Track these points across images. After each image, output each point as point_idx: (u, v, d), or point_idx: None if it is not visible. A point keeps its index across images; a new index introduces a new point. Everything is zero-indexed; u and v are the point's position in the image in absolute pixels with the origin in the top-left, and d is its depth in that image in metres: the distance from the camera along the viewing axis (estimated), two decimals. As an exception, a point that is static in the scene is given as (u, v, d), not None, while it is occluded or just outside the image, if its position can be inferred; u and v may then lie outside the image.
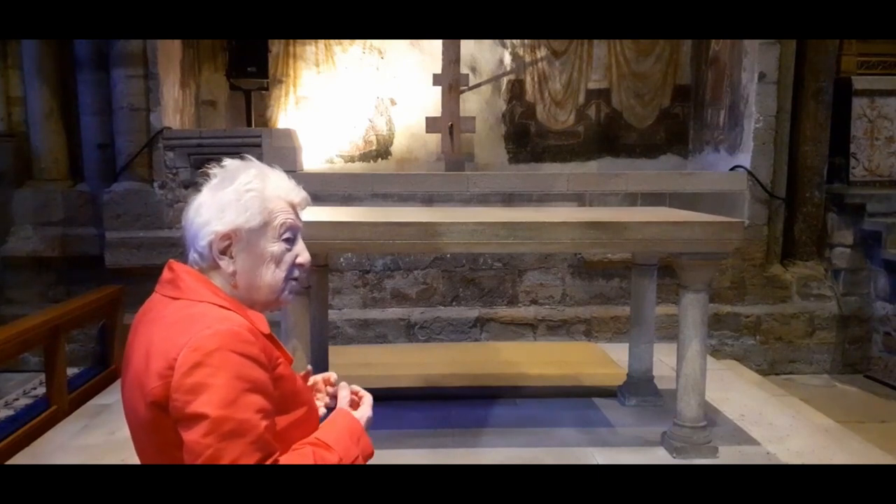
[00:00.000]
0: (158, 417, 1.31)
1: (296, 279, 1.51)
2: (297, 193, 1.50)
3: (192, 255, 1.44)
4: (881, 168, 5.30)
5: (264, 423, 1.28)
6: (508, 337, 5.07)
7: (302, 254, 1.50)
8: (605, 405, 3.86)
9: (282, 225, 1.44)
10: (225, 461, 1.22)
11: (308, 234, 1.56)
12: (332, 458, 1.35)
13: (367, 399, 1.57)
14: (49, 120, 5.17)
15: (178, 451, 1.32)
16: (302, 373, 1.71)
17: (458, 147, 5.80)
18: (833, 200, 5.25)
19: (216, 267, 1.42)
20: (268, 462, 1.27)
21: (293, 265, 1.48)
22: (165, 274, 1.43)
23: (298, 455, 1.34)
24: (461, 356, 4.49)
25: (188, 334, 1.29)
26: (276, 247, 1.44)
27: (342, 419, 1.48)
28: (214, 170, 1.46)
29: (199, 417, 1.24)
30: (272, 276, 1.45)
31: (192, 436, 1.25)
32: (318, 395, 1.72)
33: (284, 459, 1.31)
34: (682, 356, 3.24)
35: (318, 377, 1.75)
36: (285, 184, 1.48)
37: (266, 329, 1.42)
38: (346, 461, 1.36)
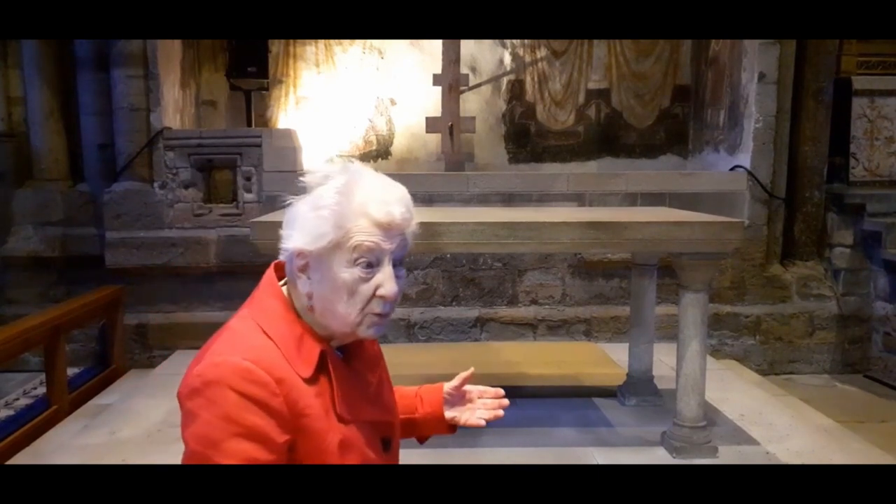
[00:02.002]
0: None
1: (379, 314, 1.27)
2: (388, 211, 1.23)
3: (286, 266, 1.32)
4: (881, 168, 5.30)
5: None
6: (508, 337, 5.07)
7: (385, 284, 1.24)
8: (605, 405, 3.86)
9: (355, 248, 1.22)
10: None
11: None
12: None
13: None
14: (49, 120, 5.17)
15: None
16: (466, 373, 1.57)
17: (458, 147, 5.80)
18: (833, 200, 5.25)
19: (296, 283, 1.28)
20: None
21: (372, 297, 1.25)
22: (263, 275, 1.34)
23: None
24: (461, 356, 4.48)
25: (214, 352, 1.23)
26: (348, 274, 1.23)
27: None
28: (310, 175, 1.28)
29: (185, 443, 1.21)
30: (345, 306, 1.24)
31: (182, 457, 1.24)
32: (469, 406, 1.57)
33: None
34: (681, 356, 3.25)
35: (475, 389, 1.58)
36: (376, 199, 1.23)
37: (307, 373, 1.24)
38: None
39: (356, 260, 1.23)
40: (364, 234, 1.22)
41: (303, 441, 1.23)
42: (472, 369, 1.58)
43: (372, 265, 1.24)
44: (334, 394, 1.28)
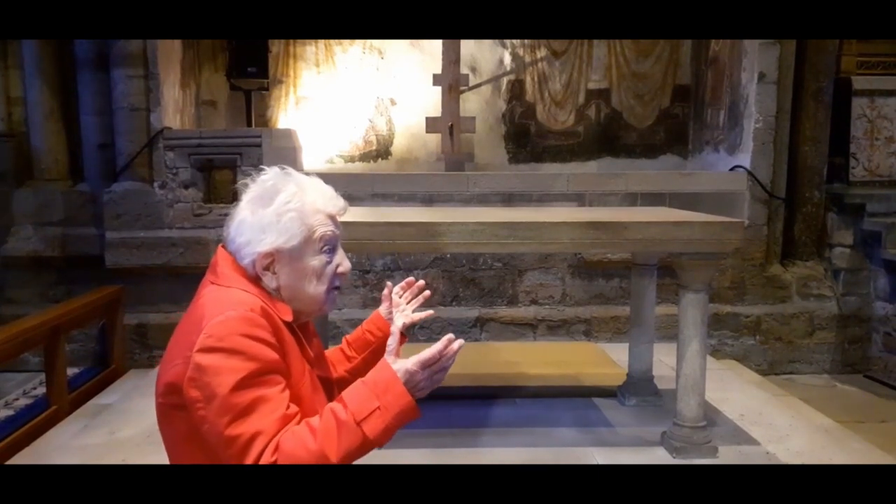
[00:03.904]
0: (170, 401, 1.39)
1: (338, 288, 1.54)
2: (335, 203, 1.52)
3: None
4: (881, 168, 5.30)
5: (280, 395, 1.33)
6: (508, 337, 5.07)
7: (343, 263, 1.53)
8: (605, 405, 3.86)
9: (321, 238, 1.47)
10: (245, 437, 1.28)
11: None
12: (342, 415, 1.32)
13: (425, 353, 1.41)
14: (49, 120, 5.17)
15: (182, 443, 1.41)
16: (386, 291, 1.81)
17: (458, 147, 5.80)
18: (833, 200, 5.25)
19: (260, 281, 1.47)
20: (286, 428, 1.30)
21: (334, 275, 1.52)
22: (213, 258, 1.51)
23: (308, 421, 1.34)
24: (461, 356, 4.47)
25: (208, 319, 1.35)
26: (317, 261, 1.48)
27: (374, 370, 1.40)
28: (252, 183, 1.49)
29: (213, 397, 1.30)
30: (314, 289, 1.49)
31: (209, 415, 1.30)
32: (401, 309, 1.79)
33: (298, 429, 1.32)
34: (681, 356, 3.24)
35: (394, 294, 1.81)
36: (322, 196, 1.50)
37: (288, 317, 1.46)
38: (360, 415, 1.31)
39: (322, 248, 1.48)
40: (324, 226, 1.48)
41: (286, 374, 1.40)
42: (388, 284, 1.84)
43: (331, 250, 1.50)
44: (303, 343, 1.51)
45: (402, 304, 1.80)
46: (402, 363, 1.38)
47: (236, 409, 1.29)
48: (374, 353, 1.79)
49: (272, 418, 1.30)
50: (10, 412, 4.11)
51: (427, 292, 1.80)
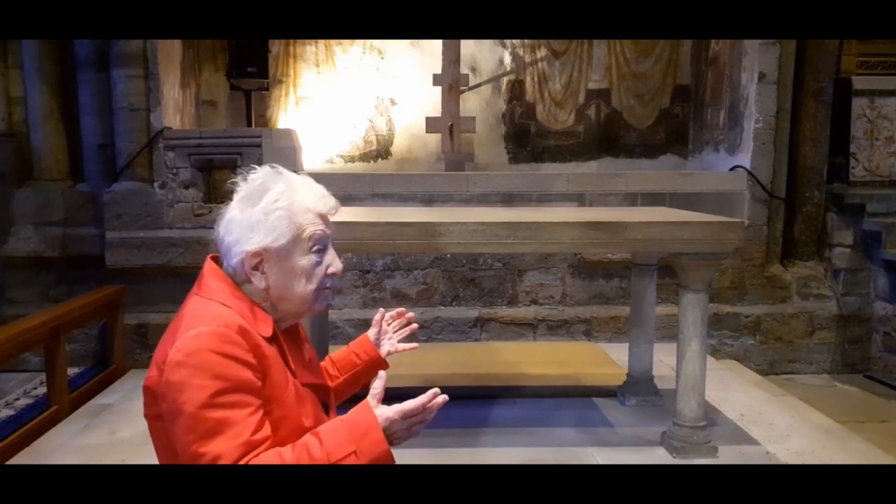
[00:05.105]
0: (151, 412, 1.40)
1: (328, 288, 1.52)
2: (325, 203, 1.48)
3: (226, 267, 1.47)
4: (881, 168, 5.30)
5: (247, 420, 1.29)
6: (508, 337, 5.07)
7: (333, 263, 1.51)
8: (605, 405, 3.86)
9: (310, 238, 1.45)
10: (206, 458, 1.26)
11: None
12: (316, 453, 1.29)
13: (409, 404, 1.37)
14: (49, 120, 5.16)
15: (165, 449, 1.40)
16: (377, 316, 1.85)
17: (458, 147, 5.80)
18: (833, 200, 5.25)
19: (249, 281, 1.44)
20: (250, 455, 1.27)
21: (324, 276, 1.49)
22: (202, 268, 1.49)
23: (280, 451, 1.31)
24: (461, 356, 4.49)
25: (182, 332, 1.35)
26: (306, 260, 1.45)
27: (355, 411, 1.36)
28: (243, 182, 1.47)
29: (179, 414, 1.29)
30: (303, 289, 1.46)
31: (175, 430, 1.30)
32: (388, 337, 1.85)
33: (266, 455, 1.29)
34: (682, 356, 3.24)
35: (383, 322, 1.86)
36: (313, 194, 1.47)
37: (268, 332, 1.42)
38: (334, 457, 1.28)
39: (311, 248, 1.45)
40: (314, 226, 1.45)
41: (268, 390, 1.37)
42: (381, 310, 1.88)
43: (321, 250, 1.48)
44: (286, 354, 1.47)
45: (390, 333, 1.85)
46: (384, 410, 1.34)
47: (200, 428, 1.26)
48: (355, 375, 1.81)
49: (235, 443, 1.26)
50: (11, 412, 4.11)
51: (414, 325, 1.87)
